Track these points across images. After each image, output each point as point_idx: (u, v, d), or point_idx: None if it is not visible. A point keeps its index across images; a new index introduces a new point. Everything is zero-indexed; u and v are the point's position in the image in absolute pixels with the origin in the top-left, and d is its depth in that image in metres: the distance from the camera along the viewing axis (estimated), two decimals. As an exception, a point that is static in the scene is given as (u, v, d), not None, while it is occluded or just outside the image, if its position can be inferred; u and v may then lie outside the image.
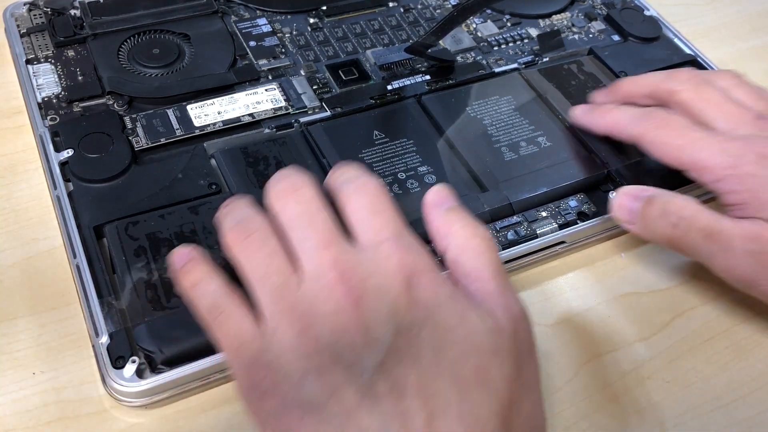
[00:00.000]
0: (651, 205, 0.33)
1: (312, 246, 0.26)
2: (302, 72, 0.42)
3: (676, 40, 0.47)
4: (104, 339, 0.29)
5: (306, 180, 0.28)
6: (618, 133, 0.37)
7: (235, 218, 0.28)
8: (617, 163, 0.38)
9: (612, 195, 0.36)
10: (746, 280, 0.32)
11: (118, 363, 0.29)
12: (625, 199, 0.34)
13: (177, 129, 0.37)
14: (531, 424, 0.25)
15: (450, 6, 0.48)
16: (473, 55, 0.45)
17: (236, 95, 0.40)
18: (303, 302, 0.25)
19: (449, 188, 0.30)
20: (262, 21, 0.45)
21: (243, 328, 0.26)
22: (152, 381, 0.29)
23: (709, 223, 0.32)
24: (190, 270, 0.28)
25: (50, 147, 0.36)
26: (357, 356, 0.24)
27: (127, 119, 0.38)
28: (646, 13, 0.49)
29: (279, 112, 0.39)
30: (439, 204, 0.29)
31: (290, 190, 0.28)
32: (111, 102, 0.39)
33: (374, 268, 0.25)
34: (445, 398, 0.23)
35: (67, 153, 0.35)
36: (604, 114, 0.38)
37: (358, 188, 0.28)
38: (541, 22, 0.48)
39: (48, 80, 0.39)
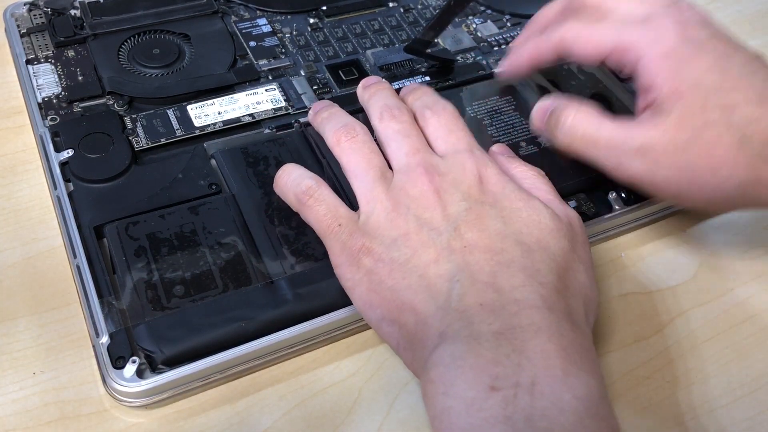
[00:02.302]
0: (552, 116, 0.35)
1: (404, 152, 0.32)
2: (302, 72, 0.42)
3: (676, 40, 0.47)
4: (104, 339, 0.29)
5: (402, 106, 0.34)
6: (539, 56, 0.36)
7: (340, 121, 0.34)
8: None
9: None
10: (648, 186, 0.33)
11: (118, 363, 0.29)
12: (538, 110, 0.36)
13: (177, 129, 0.37)
14: (584, 292, 0.29)
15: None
16: (473, 55, 0.45)
17: (236, 95, 0.40)
18: (394, 189, 0.31)
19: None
20: (262, 21, 0.45)
21: (340, 210, 0.31)
22: (152, 381, 0.29)
23: (609, 133, 0.33)
24: (278, 174, 0.33)
25: (50, 147, 0.36)
26: (436, 225, 0.29)
27: (127, 119, 0.38)
28: (646, 13, 0.49)
29: (279, 113, 0.39)
30: (502, 151, 0.35)
31: (392, 115, 0.33)
32: (111, 102, 0.39)
33: (452, 167, 0.31)
34: (511, 254, 0.28)
35: (68, 153, 0.35)
36: (520, 49, 0.38)
37: (436, 112, 0.34)
38: (541, 22, 0.48)
39: (48, 80, 0.39)
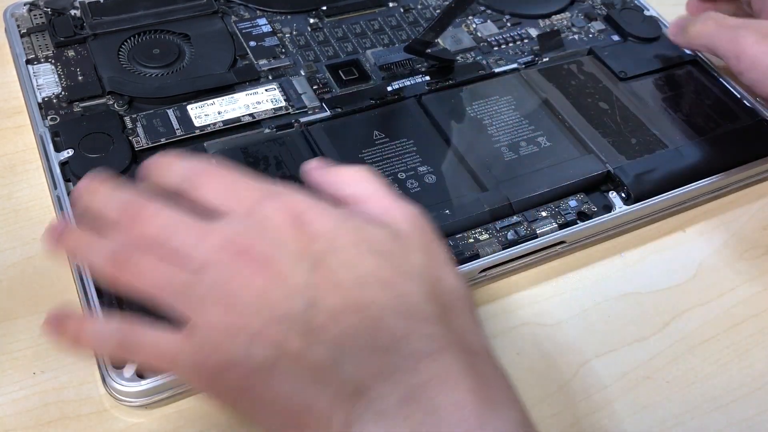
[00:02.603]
0: (688, 20, 0.41)
1: (192, 243, 0.26)
2: (302, 72, 0.42)
3: (676, 40, 0.47)
4: (104, 339, 0.29)
5: (141, 197, 0.27)
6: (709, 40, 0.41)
7: (100, 251, 0.27)
8: (617, 162, 0.38)
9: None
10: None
11: (118, 363, 0.29)
12: (677, 21, 0.43)
13: (177, 129, 0.37)
14: (456, 295, 0.26)
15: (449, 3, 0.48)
16: (473, 55, 0.45)
17: (236, 95, 0.40)
18: (213, 288, 0.25)
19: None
20: (262, 21, 0.45)
21: (164, 342, 0.26)
22: (152, 381, 0.29)
23: (720, 16, 0.40)
24: (63, 331, 0.27)
25: (50, 147, 0.36)
26: (285, 307, 0.25)
27: (127, 119, 0.38)
28: (646, 13, 0.49)
29: (279, 112, 0.39)
30: (318, 166, 0.30)
31: (135, 215, 0.27)
32: (111, 102, 0.39)
33: (260, 228, 0.26)
34: (379, 303, 0.25)
35: (68, 153, 0.35)
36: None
37: (198, 179, 0.28)
38: (541, 22, 0.48)
39: (48, 80, 0.39)
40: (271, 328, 0.25)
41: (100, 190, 0.28)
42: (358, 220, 0.27)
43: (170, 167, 0.29)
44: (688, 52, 0.46)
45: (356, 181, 0.29)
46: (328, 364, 0.24)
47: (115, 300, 0.30)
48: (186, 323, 0.25)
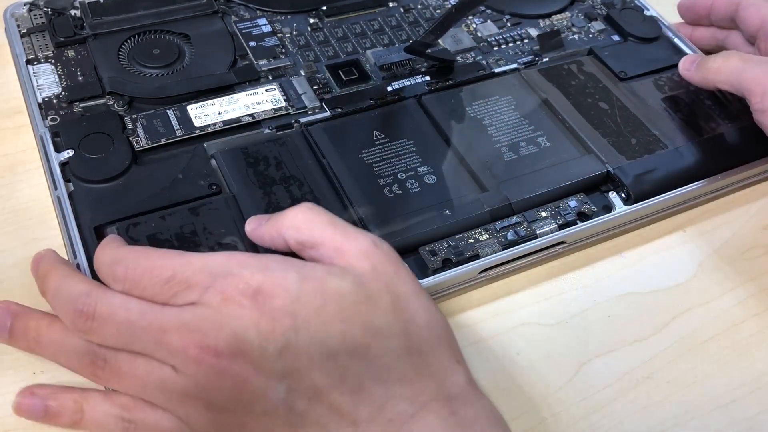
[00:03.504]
0: (707, 57, 0.41)
1: (155, 342, 0.25)
2: (302, 72, 0.42)
3: (676, 40, 0.47)
4: (104, 339, 0.29)
5: (89, 293, 0.26)
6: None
7: (69, 357, 0.27)
8: (617, 162, 0.38)
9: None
10: None
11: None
12: (689, 57, 0.43)
13: (177, 129, 0.37)
14: (431, 333, 0.26)
15: (450, 5, 0.48)
16: (473, 55, 0.45)
17: (236, 95, 0.40)
18: (188, 387, 0.25)
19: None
20: (262, 21, 0.45)
21: (165, 428, 0.26)
22: (152, 381, 0.29)
23: (744, 54, 0.39)
24: (58, 411, 0.27)
25: (50, 147, 0.36)
26: (265, 400, 0.24)
27: (127, 119, 0.38)
28: (646, 13, 0.49)
29: (279, 113, 0.39)
30: (258, 221, 0.30)
31: (89, 316, 0.26)
32: (111, 102, 0.39)
33: (219, 317, 0.25)
34: (353, 373, 0.24)
35: (68, 153, 0.35)
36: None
37: (121, 276, 0.27)
38: (541, 22, 0.48)
39: (48, 80, 0.39)
40: (256, 423, 0.25)
41: (50, 278, 0.28)
42: (315, 274, 0.26)
43: (99, 259, 0.28)
44: (688, 51, 0.46)
45: (300, 226, 0.28)
46: None
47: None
48: (179, 420, 0.26)
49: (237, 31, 0.44)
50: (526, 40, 0.46)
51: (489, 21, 0.47)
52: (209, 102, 0.39)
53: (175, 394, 0.25)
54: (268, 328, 0.24)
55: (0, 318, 0.28)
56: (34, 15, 0.43)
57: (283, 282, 0.25)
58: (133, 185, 0.35)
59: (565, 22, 0.48)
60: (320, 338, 0.25)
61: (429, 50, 0.42)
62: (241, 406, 0.24)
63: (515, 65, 0.44)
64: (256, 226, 0.30)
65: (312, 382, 0.24)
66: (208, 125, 0.38)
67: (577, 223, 0.36)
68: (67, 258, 0.33)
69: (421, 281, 0.31)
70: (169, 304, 0.26)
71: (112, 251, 0.28)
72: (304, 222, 0.28)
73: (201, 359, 0.24)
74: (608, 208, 0.37)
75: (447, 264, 0.34)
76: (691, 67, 0.42)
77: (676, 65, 0.44)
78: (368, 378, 0.25)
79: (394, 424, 0.24)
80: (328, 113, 0.40)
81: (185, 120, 0.38)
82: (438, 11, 0.47)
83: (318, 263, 0.27)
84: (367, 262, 0.26)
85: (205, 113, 0.38)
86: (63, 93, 0.39)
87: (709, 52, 0.48)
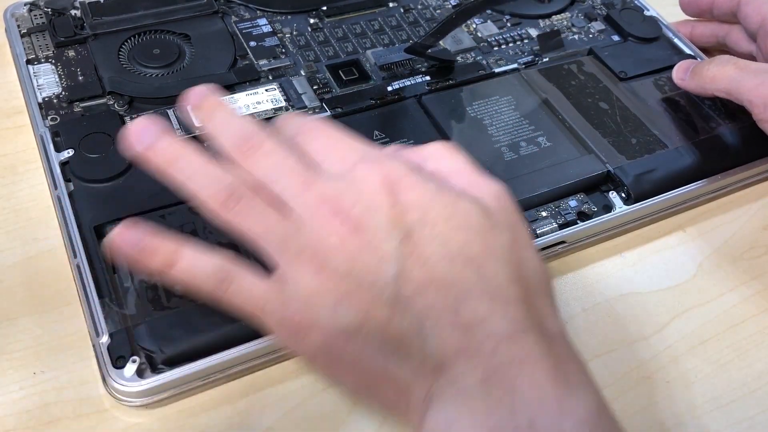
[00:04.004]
0: (701, 62, 0.41)
1: (295, 192, 0.27)
2: (302, 72, 0.42)
3: (675, 40, 0.47)
4: (105, 339, 0.29)
5: (261, 132, 0.28)
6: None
7: (208, 184, 0.27)
8: (617, 162, 0.38)
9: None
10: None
11: (118, 363, 0.29)
12: (682, 65, 0.42)
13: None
14: (538, 277, 0.27)
15: (450, 6, 0.48)
16: (473, 55, 0.45)
17: (236, 95, 0.40)
18: (308, 244, 0.26)
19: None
20: (262, 21, 0.45)
21: (259, 290, 0.26)
22: (153, 381, 0.29)
23: (740, 60, 0.39)
24: (154, 249, 0.27)
25: (51, 147, 0.36)
26: (375, 274, 0.25)
27: (127, 119, 0.38)
28: (646, 13, 0.49)
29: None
30: (399, 147, 0.31)
31: (253, 147, 0.28)
32: (111, 102, 0.39)
33: (357, 191, 0.26)
34: (465, 281, 0.25)
35: (68, 153, 0.35)
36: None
37: (308, 135, 0.29)
38: (541, 23, 0.48)
39: (48, 80, 0.39)
40: (359, 294, 0.25)
41: (220, 110, 0.29)
42: (451, 193, 0.27)
43: (286, 121, 0.30)
44: (688, 51, 0.46)
45: (439, 157, 0.29)
46: (413, 336, 0.25)
47: (115, 300, 0.30)
48: (278, 271, 0.26)
49: (237, 31, 0.44)
50: (526, 40, 0.46)
51: (489, 21, 0.47)
52: (209, 102, 0.39)
53: (293, 249, 0.26)
54: (398, 214, 0.26)
55: (142, 133, 0.28)
56: (34, 15, 0.43)
57: (423, 184, 0.27)
58: (133, 185, 0.35)
59: (565, 22, 0.48)
60: (442, 239, 0.26)
61: (429, 50, 0.42)
62: (351, 276, 0.25)
63: (515, 65, 0.44)
64: (397, 148, 0.31)
65: (422, 274, 0.25)
66: (208, 125, 0.38)
67: (577, 223, 0.36)
68: (67, 258, 0.33)
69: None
70: (321, 167, 0.28)
71: (295, 121, 0.29)
72: (446, 154, 0.29)
73: (330, 221, 0.26)
74: (608, 207, 0.37)
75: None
76: (685, 76, 0.41)
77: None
78: (476, 290, 0.25)
79: (492, 340, 0.24)
80: (328, 113, 0.40)
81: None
82: (438, 11, 0.47)
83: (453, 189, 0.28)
84: (496, 201, 0.28)
85: (205, 113, 0.38)
86: (63, 93, 0.39)
87: (708, 50, 0.48)
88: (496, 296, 0.25)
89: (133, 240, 0.27)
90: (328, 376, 0.27)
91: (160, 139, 0.28)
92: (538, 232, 0.35)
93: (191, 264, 0.27)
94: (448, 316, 0.25)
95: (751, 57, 0.45)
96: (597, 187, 0.38)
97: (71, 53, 0.41)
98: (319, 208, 0.26)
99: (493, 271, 0.26)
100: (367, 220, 0.26)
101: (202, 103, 0.29)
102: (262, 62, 0.42)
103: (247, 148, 0.28)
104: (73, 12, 0.43)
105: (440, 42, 0.45)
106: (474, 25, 0.47)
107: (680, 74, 0.42)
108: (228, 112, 0.29)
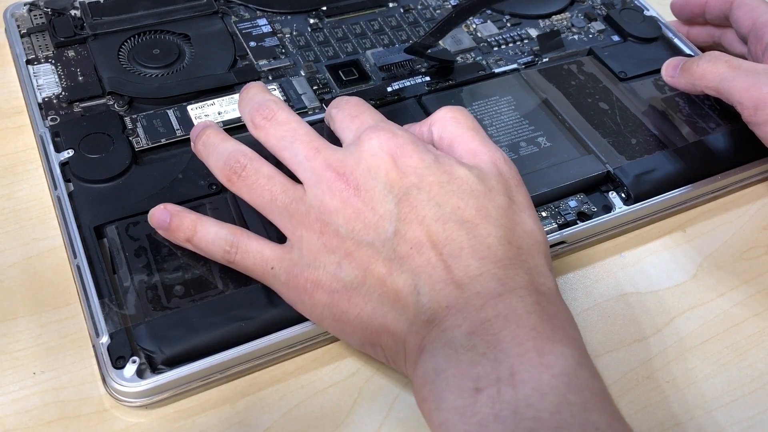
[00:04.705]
0: (690, 59, 0.40)
1: (302, 158, 0.29)
2: (302, 72, 0.42)
3: (675, 40, 0.47)
4: (105, 339, 0.29)
5: (277, 103, 0.31)
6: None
7: (219, 157, 0.31)
8: (617, 162, 0.38)
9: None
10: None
11: (118, 363, 0.29)
12: (671, 62, 0.41)
13: (177, 129, 0.37)
14: (532, 239, 0.28)
15: (450, 6, 0.48)
16: (473, 55, 0.45)
17: (236, 95, 0.40)
18: (313, 208, 0.28)
19: None
20: (262, 21, 0.45)
21: (266, 253, 0.29)
22: (152, 381, 0.29)
23: (732, 58, 0.38)
24: (177, 226, 0.31)
25: (51, 147, 0.36)
26: (374, 233, 0.27)
27: (127, 119, 0.38)
28: (646, 13, 0.49)
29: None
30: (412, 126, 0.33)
31: (267, 117, 0.31)
32: (111, 102, 0.39)
33: (360, 154, 0.29)
34: (457, 240, 0.27)
35: (68, 153, 0.35)
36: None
37: (338, 107, 0.32)
38: (541, 23, 0.48)
39: (48, 80, 0.39)
40: (359, 252, 0.27)
41: (253, 87, 0.32)
42: (449, 160, 0.29)
43: (331, 104, 0.33)
44: (688, 51, 0.46)
45: (446, 123, 0.31)
46: (408, 291, 0.27)
47: (115, 301, 0.30)
48: (286, 238, 0.29)
49: (237, 31, 0.44)
50: (526, 41, 0.46)
51: (489, 21, 0.47)
52: (209, 102, 0.39)
53: (298, 213, 0.29)
54: (396, 177, 0.28)
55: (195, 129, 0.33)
56: (34, 15, 0.43)
57: (421, 154, 0.29)
58: (133, 185, 0.35)
59: (565, 23, 0.48)
60: (437, 202, 0.28)
61: (429, 51, 0.42)
62: (353, 235, 0.28)
63: (515, 65, 0.44)
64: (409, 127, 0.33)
65: (418, 234, 0.27)
66: (208, 125, 0.38)
67: (577, 223, 0.36)
68: (66, 258, 0.33)
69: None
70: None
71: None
72: (450, 120, 0.31)
73: (333, 183, 0.28)
74: (608, 208, 0.37)
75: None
76: (674, 73, 0.41)
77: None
78: (468, 249, 0.27)
79: (481, 297, 0.26)
80: (328, 113, 0.40)
81: (185, 120, 0.38)
82: (438, 11, 0.47)
83: (455, 158, 0.30)
84: (494, 167, 0.29)
85: (205, 113, 0.38)
86: (63, 93, 0.39)
87: (704, 50, 0.48)
88: (487, 256, 0.27)
89: (162, 219, 0.31)
90: (335, 333, 0.29)
91: (199, 136, 0.32)
92: (538, 232, 0.35)
93: (206, 235, 0.30)
94: (441, 274, 0.26)
95: (744, 59, 0.45)
96: (597, 187, 0.38)
97: (71, 53, 0.41)
98: (324, 172, 0.28)
99: (485, 232, 0.27)
100: (367, 181, 0.28)
101: (249, 84, 0.33)
102: (262, 62, 0.42)
103: (262, 117, 0.31)
104: (72, 12, 0.43)
105: (440, 42, 0.45)
106: (474, 26, 0.47)
107: (669, 71, 0.41)
108: (258, 88, 0.32)
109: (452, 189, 0.28)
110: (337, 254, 0.28)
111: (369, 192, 0.28)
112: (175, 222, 0.31)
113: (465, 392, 0.24)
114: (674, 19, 0.49)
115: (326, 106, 0.40)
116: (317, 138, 0.30)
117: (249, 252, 0.29)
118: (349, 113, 0.31)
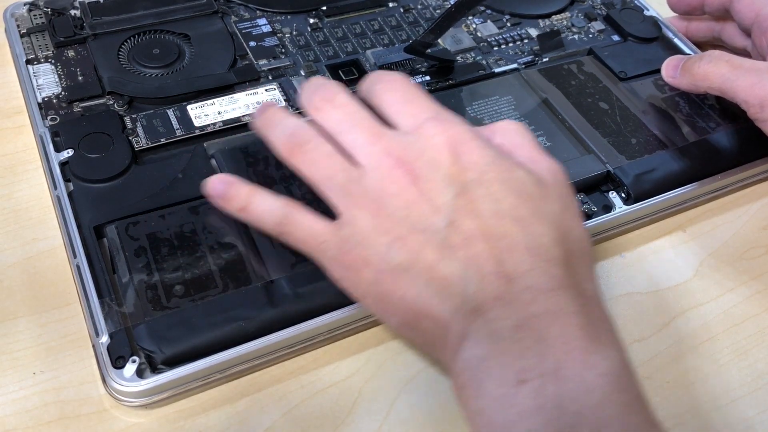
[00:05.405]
0: (690, 58, 0.39)
1: (363, 143, 0.29)
2: (302, 72, 0.42)
3: (675, 40, 0.47)
4: (104, 339, 0.29)
5: (337, 87, 0.31)
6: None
7: (283, 130, 0.31)
8: (617, 162, 0.38)
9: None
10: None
11: (118, 363, 0.29)
12: (671, 62, 0.41)
13: (177, 129, 0.37)
14: (581, 245, 0.29)
15: (449, 5, 0.48)
16: (473, 55, 0.45)
17: (236, 95, 0.40)
18: (370, 191, 0.29)
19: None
20: (262, 21, 0.45)
21: (318, 227, 0.29)
22: (152, 381, 0.29)
23: (733, 57, 0.38)
24: (233, 195, 0.31)
25: (50, 147, 0.36)
26: (428, 221, 0.28)
27: (127, 119, 0.38)
28: (646, 13, 0.49)
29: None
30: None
31: (326, 99, 0.31)
32: (111, 102, 0.39)
33: (423, 146, 0.29)
34: (512, 237, 0.27)
35: (68, 153, 0.35)
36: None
37: (387, 85, 0.31)
38: (541, 22, 0.48)
39: (48, 80, 0.39)
40: (411, 237, 0.28)
41: (314, 78, 0.33)
42: (509, 161, 0.29)
43: (371, 74, 0.32)
44: (688, 51, 0.46)
45: (507, 131, 0.31)
46: (456, 280, 0.27)
47: (115, 300, 0.30)
48: (338, 216, 0.29)
49: (237, 31, 0.44)
50: (526, 40, 0.46)
51: (489, 21, 0.47)
52: (209, 102, 0.39)
53: (355, 193, 0.29)
54: (456, 172, 0.28)
55: (261, 109, 0.33)
56: (34, 15, 0.43)
57: (484, 149, 0.29)
58: (132, 185, 0.35)
59: (565, 22, 0.48)
60: (495, 198, 0.28)
61: (429, 50, 0.42)
62: (407, 221, 0.28)
63: (515, 65, 0.44)
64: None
65: (472, 226, 0.27)
66: (208, 125, 0.38)
67: (577, 223, 0.36)
68: (66, 258, 0.33)
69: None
70: (390, 121, 0.31)
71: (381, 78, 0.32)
72: (513, 131, 0.32)
73: (392, 171, 0.28)
74: (608, 207, 0.37)
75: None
76: (675, 74, 0.41)
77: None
78: (522, 245, 0.27)
79: (531, 292, 0.26)
80: (328, 113, 0.40)
81: (185, 120, 0.38)
82: (438, 11, 0.47)
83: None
84: (551, 175, 0.30)
85: (205, 113, 0.38)
86: (63, 93, 0.39)
87: (702, 45, 0.48)
88: (540, 254, 0.27)
89: (218, 188, 0.31)
90: (375, 312, 0.29)
91: (262, 113, 0.32)
92: (538, 232, 0.35)
93: (260, 205, 0.30)
94: (492, 266, 0.27)
95: (746, 53, 0.45)
96: (597, 187, 0.38)
97: (71, 53, 0.41)
98: (384, 159, 0.29)
99: (539, 231, 0.28)
100: (427, 173, 0.28)
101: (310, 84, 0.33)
102: (262, 62, 0.42)
103: (320, 99, 0.31)
104: (72, 12, 0.43)
105: (440, 42, 0.45)
106: (474, 25, 0.47)
107: (670, 71, 0.41)
108: (321, 77, 0.33)
109: (510, 188, 0.28)
110: (389, 236, 0.28)
111: (428, 182, 0.28)
112: (231, 191, 0.31)
113: (507, 382, 0.25)
114: (673, 15, 0.49)
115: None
116: (377, 123, 0.30)
117: (301, 225, 0.30)
118: (403, 96, 0.31)
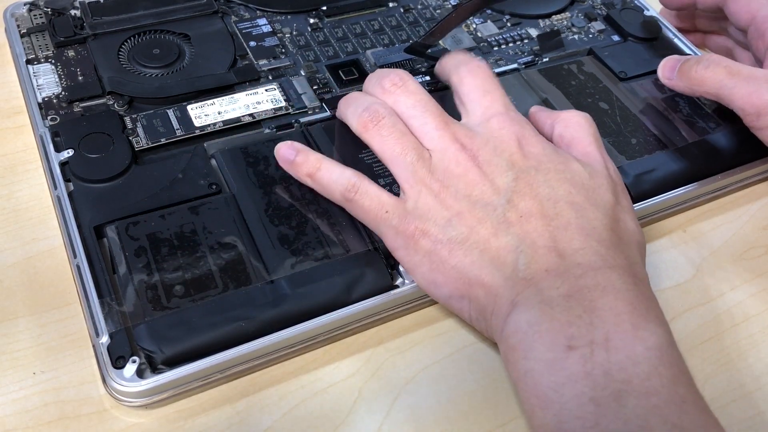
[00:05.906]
0: (687, 61, 0.40)
1: (432, 128, 0.32)
2: (302, 72, 0.42)
3: (675, 40, 0.47)
4: (104, 339, 0.29)
5: (406, 74, 0.34)
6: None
7: (361, 106, 0.33)
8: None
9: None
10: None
11: (118, 363, 0.29)
12: (668, 63, 0.41)
13: (177, 129, 0.37)
14: (634, 238, 0.31)
15: (450, 6, 0.48)
16: (473, 55, 0.45)
17: (236, 95, 0.40)
18: (436, 170, 0.31)
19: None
20: (262, 21, 0.45)
21: (384, 197, 0.31)
22: (152, 381, 0.29)
23: (731, 63, 0.38)
24: (303, 161, 0.33)
25: (50, 147, 0.36)
26: (488, 199, 0.30)
27: (127, 119, 0.38)
28: (646, 13, 0.49)
29: (279, 113, 0.39)
30: (541, 108, 0.36)
31: (397, 84, 0.33)
32: (111, 102, 0.39)
33: (488, 136, 0.32)
34: (566, 217, 0.29)
35: (68, 153, 0.35)
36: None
37: (469, 71, 0.34)
38: (541, 23, 0.48)
39: (48, 80, 0.39)
40: (471, 213, 0.30)
41: (380, 69, 0.35)
42: (565, 154, 0.32)
43: (455, 54, 0.36)
44: (688, 51, 0.46)
45: (569, 123, 0.34)
46: (509, 252, 0.29)
47: (115, 300, 0.30)
48: (403, 192, 0.31)
49: (237, 31, 0.44)
50: (526, 40, 0.46)
51: (489, 21, 0.47)
52: (209, 102, 0.39)
53: (421, 171, 0.31)
54: (518, 158, 0.31)
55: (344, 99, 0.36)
56: (34, 15, 0.43)
57: (543, 144, 0.32)
58: (133, 185, 0.35)
59: (565, 22, 0.48)
60: (551, 184, 0.30)
61: (429, 50, 0.42)
62: (468, 199, 0.30)
63: (515, 65, 0.44)
64: (539, 109, 0.36)
65: (529, 206, 0.30)
66: (208, 125, 0.38)
67: (577, 223, 0.36)
68: (66, 258, 0.33)
69: (414, 284, 0.31)
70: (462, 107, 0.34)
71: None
72: (575, 123, 0.34)
73: (459, 154, 0.31)
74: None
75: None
76: (671, 75, 0.40)
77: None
78: (575, 225, 0.29)
79: (581, 267, 0.28)
80: (328, 113, 0.40)
81: (185, 120, 0.38)
82: (438, 11, 0.47)
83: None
84: (605, 170, 0.32)
85: (205, 113, 0.38)
86: (63, 93, 0.39)
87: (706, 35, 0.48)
88: (592, 234, 0.29)
89: (289, 153, 0.33)
90: (426, 284, 0.31)
91: (345, 97, 0.36)
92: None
93: (328, 172, 0.32)
94: (545, 241, 0.29)
95: (745, 45, 0.45)
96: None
97: (71, 53, 0.41)
98: (451, 144, 0.31)
99: (592, 215, 0.30)
100: (490, 158, 0.31)
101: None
102: (262, 62, 0.42)
103: (392, 83, 0.33)
104: (72, 12, 0.43)
105: (440, 42, 0.45)
106: (474, 25, 0.47)
107: (666, 72, 0.41)
108: (389, 68, 0.36)
109: (566, 177, 0.30)
110: (450, 211, 0.30)
111: (490, 166, 0.31)
112: (301, 157, 0.33)
113: (557, 347, 0.26)
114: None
115: (326, 106, 0.40)
116: (444, 112, 0.33)
117: (368, 193, 0.31)
118: (482, 86, 0.33)
